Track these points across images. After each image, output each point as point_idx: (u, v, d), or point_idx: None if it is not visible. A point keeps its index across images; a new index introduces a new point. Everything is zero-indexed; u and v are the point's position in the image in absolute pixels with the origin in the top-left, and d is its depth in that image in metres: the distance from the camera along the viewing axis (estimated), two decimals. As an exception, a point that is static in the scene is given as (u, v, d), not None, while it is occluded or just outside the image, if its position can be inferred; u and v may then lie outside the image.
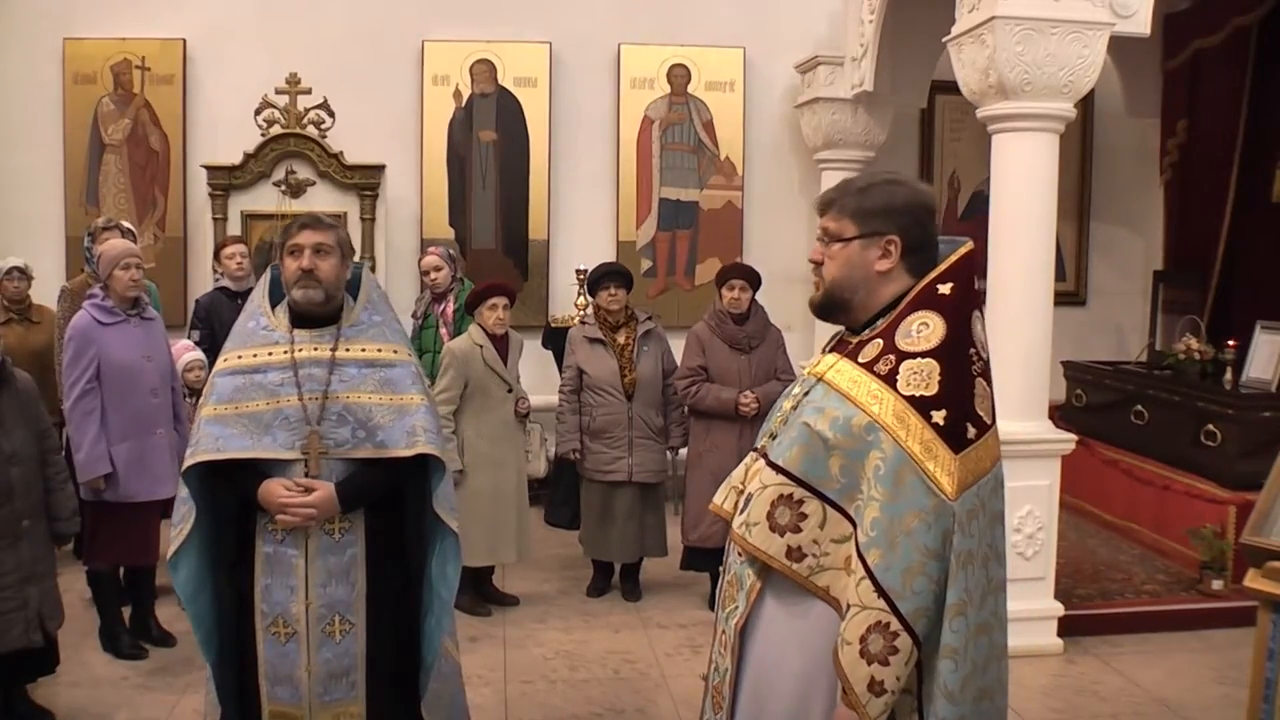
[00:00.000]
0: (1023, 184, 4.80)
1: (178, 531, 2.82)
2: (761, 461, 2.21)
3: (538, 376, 6.77)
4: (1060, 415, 7.06)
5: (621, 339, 5.52)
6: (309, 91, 7.03)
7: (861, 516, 2.04)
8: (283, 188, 7.01)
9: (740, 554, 2.20)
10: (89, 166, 7.34)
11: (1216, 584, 5.49)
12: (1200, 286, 7.31)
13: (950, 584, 2.03)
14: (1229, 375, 6.23)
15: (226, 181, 6.96)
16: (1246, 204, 7.08)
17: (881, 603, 1.98)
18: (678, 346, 5.58)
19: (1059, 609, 4.98)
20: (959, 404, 2.06)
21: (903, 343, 2.10)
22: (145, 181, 7.39)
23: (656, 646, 4.95)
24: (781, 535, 2.09)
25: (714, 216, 7.82)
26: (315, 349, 2.87)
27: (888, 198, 2.19)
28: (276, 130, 7.00)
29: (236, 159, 6.96)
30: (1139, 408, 6.72)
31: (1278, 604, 3.31)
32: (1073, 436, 5.09)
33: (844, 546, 2.07)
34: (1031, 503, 4.84)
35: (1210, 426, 6.04)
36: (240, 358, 2.88)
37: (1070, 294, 8.14)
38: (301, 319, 2.91)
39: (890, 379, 2.07)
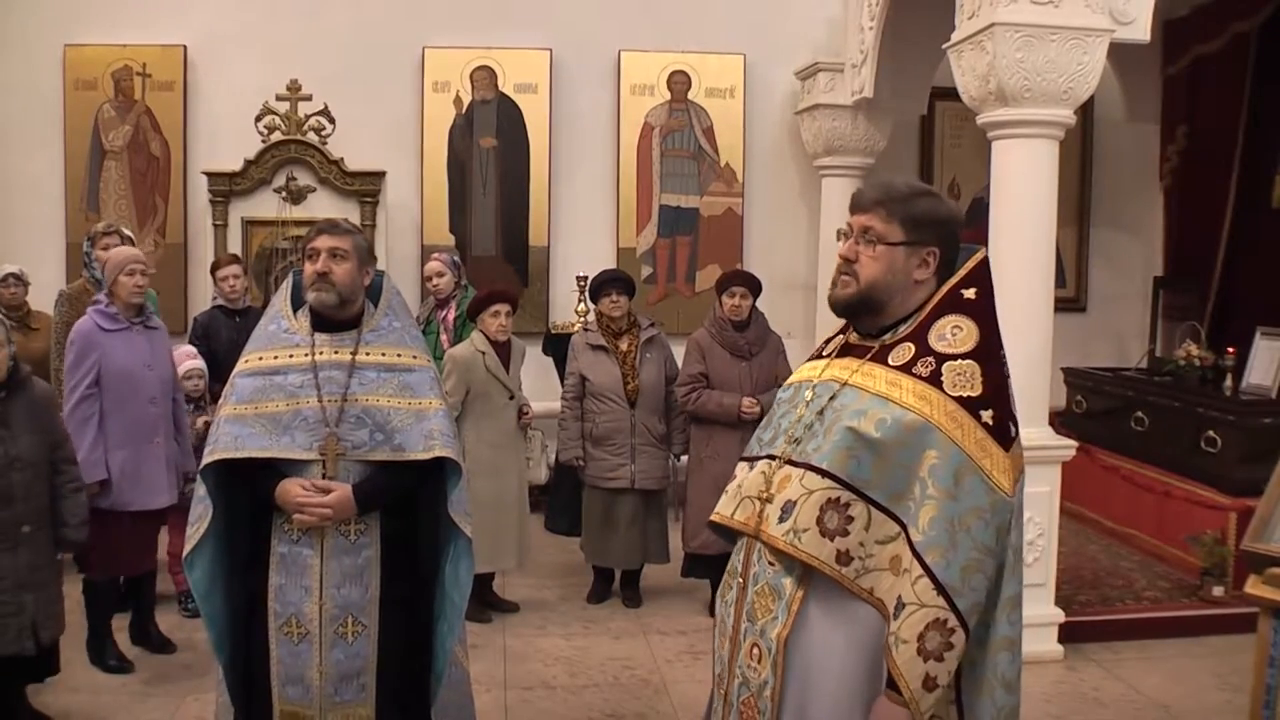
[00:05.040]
0: (1023, 190, 4.80)
1: (194, 530, 2.83)
2: (792, 468, 2.19)
3: (538, 383, 6.76)
4: (1060, 421, 7.07)
5: (624, 346, 5.52)
6: (310, 98, 7.03)
7: (915, 516, 2.07)
8: (283, 194, 7.01)
9: (773, 563, 2.17)
10: (89, 172, 7.35)
11: (1217, 590, 5.48)
12: (1200, 292, 7.32)
13: (1007, 578, 2.11)
14: (1229, 381, 6.23)
15: (227, 188, 6.96)
16: (1246, 209, 7.10)
17: (941, 600, 2.03)
18: (679, 353, 5.58)
19: (1059, 615, 4.98)
20: (1002, 404, 2.13)
21: (938, 345, 2.16)
22: (146, 188, 7.40)
23: (657, 653, 4.94)
24: (831, 540, 2.10)
25: (714, 223, 7.82)
26: (335, 352, 2.89)
27: (933, 209, 2.24)
28: (277, 137, 7.00)
29: (237, 165, 6.96)
30: (1139, 414, 6.72)
31: (1278, 610, 3.32)
32: (1073, 443, 5.09)
33: (888, 547, 2.10)
34: (1032, 509, 4.81)
35: (1210, 432, 6.04)
36: (261, 359, 2.91)
37: (1070, 300, 8.15)
38: (322, 323, 2.93)
39: (935, 380, 2.12)
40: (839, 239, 2.31)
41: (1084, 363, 7.66)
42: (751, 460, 2.34)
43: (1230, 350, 6.27)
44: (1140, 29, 4.82)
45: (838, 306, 2.30)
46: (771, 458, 2.26)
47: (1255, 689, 3.36)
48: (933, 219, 2.23)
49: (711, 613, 5.40)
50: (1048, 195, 4.82)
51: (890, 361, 2.18)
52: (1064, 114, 4.77)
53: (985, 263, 2.25)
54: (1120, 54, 5.92)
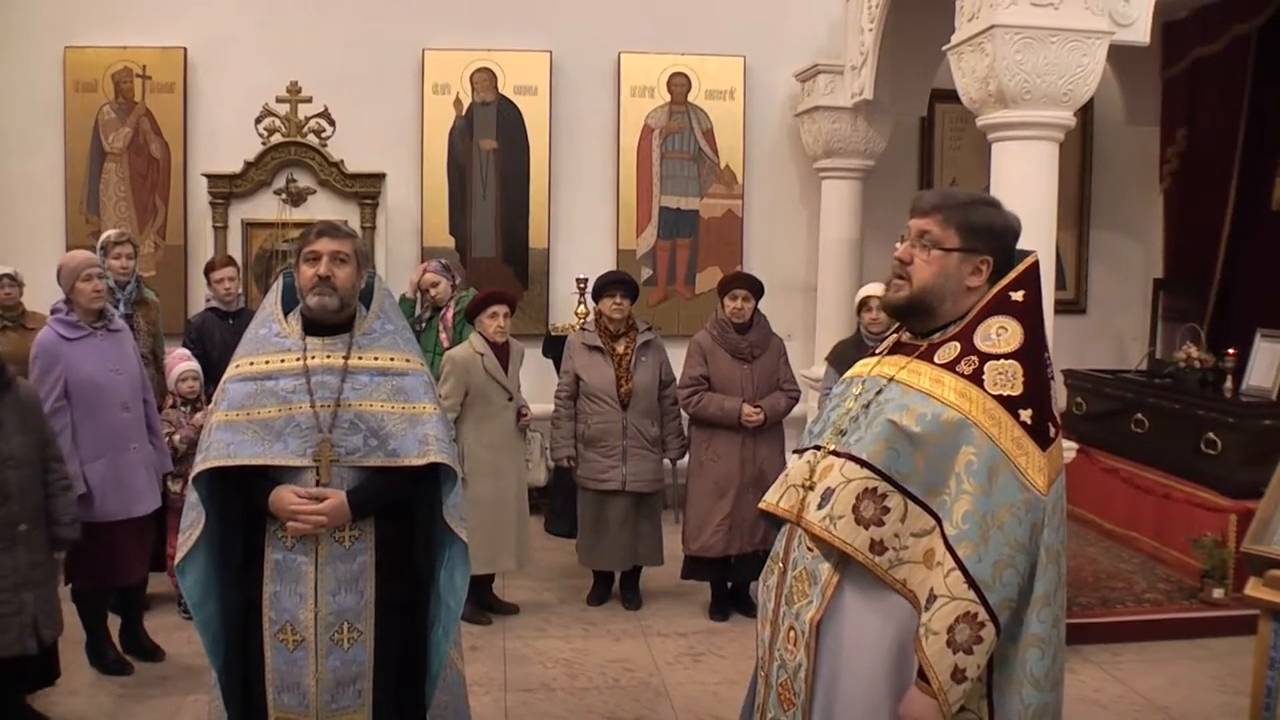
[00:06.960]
0: (1022, 192, 4.78)
1: (186, 537, 2.81)
2: (834, 458, 2.24)
3: (537, 385, 6.76)
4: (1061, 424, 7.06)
5: (620, 348, 5.52)
6: (310, 100, 7.02)
7: (950, 510, 2.11)
8: (283, 196, 7.01)
9: (811, 549, 2.23)
10: (90, 175, 7.35)
11: (1217, 592, 5.48)
12: (1200, 294, 7.31)
13: (1038, 576, 2.14)
14: (1229, 383, 6.22)
15: (227, 190, 6.96)
16: (1246, 211, 7.09)
17: (971, 594, 2.06)
18: (678, 355, 5.58)
19: (1060, 617, 4.97)
20: (1042, 404, 2.18)
21: (983, 345, 2.21)
22: (146, 190, 7.40)
23: (657, 655, 4.94)
24: (866, 528, 2.15)
25: (714, 225, 7.82)
26: (328, 356, 2.86)
27: (990, 219, 2.29)
28: (277, 139, 7.00)
29: (237, 167, 6.96)
30: (1139, 416, 6.71)
31: (1278, 612, 3.31)
32: (1073, 445, 5.08)
33: (923, 540, 2.14)
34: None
35: (1210, 435, 6.03)
36: (252, 364, 2.87)
37: (1070, 302, 8.14)
38: (314, 326, 2.90)
39: (976, 379, 2.17)
40: (899, 243, 2.37)
41: (1084, 365, 7.66)
42: (801, 452, 2.41)
43: (1230, 352, 6.27)
44: (1140, 31, 4.82)
45: (890, 310, 2.39)
46: (818, 448, 2.33)
47: (1255, 691, 3.36)
48: (988, 228, 2.28)
49: (711, 615, 5.41)
50: (1047, 197, 4.82)
51: (936, 359, 2.24)
52: (1064, 116, 4.77)
53: (1035, 266, 2.29)
54: (1120, 56, 5.93)
